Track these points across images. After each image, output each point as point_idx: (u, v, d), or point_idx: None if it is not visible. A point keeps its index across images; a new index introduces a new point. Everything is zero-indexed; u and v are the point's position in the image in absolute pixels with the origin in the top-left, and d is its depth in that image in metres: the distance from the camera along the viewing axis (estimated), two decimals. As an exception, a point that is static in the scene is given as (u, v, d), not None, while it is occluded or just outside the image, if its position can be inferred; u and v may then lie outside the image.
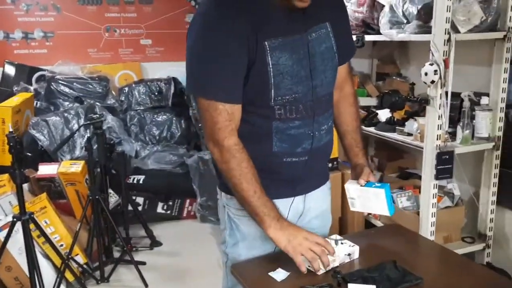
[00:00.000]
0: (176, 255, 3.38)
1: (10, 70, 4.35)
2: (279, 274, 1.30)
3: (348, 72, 1.59)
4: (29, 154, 3.52)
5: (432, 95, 2.26)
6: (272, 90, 1.30)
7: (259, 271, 1.34)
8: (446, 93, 2.24)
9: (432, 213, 2.38)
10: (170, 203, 3.97)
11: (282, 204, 1.44)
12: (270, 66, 1.27)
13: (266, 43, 1.26)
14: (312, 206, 1.54)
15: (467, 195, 2.64)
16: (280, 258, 1.34)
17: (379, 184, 1.47)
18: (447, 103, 2.26)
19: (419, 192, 2.54)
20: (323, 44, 1.38)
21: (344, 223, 3.02)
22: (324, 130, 1.43)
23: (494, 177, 2.52)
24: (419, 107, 2.68)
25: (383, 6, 2.72)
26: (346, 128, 1.59)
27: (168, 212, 3.96)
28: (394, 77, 3.21)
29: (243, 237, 1.46)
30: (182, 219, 3.98)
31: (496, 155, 2.48)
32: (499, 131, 2.45)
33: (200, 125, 4.08)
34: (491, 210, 2.55)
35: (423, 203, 2.43)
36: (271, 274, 1.31)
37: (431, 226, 2.39)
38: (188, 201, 4.00)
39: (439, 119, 2.26)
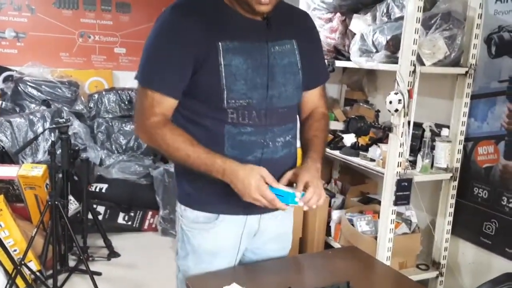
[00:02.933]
0: (133, 267, 3.33)
1: (-23, 68, 4.26)
2: (234, 289, 1.30)
3: (321, 96, 1.60)
4: (-11, 155, 3.44)
5: (395, 123, 2.33)
6: (225, 92, 1.33)
7: (214, 285, 1.34)
8: (409, 122, 2.31)
9: (389, 239, 2.43)
10: (132, 214, 3.91)
11: (236, 220, 1.44)
12: (222, 66, 1.32)
13: (220, 43, 1.31)
14: (269, 228, 1.52)
15: (424, 223, 2.71)
16: (235, 273, 1.34)
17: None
18: (409, 132, 2.33)
19: (378, 217, 2.59)
20: (286, 58, 1.41)
21: (304, 243, 3.05)
22: (280, 142, 1.42)
23: (450, 207, 2.59)
24: (383, 134, 2.75)
25: (355, 34, 2.81)
26: (313, 133, 1.52)
27: (129, 223, 3.89)
28: (361, 104, 3.29)
29: (193, 250, 1.46)
30: (143, 231, 3.92)
31: (453, 186, 2.56)
32: (457, 162, 2.53)
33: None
34: (445, 239, 2.62)
35: (381, 228, 2.48)
36: (225, 288, 1.31)
37: (388, 251, 2.44)
38: (150, 213, 3.95)
39: (400, 147, 2.33)
